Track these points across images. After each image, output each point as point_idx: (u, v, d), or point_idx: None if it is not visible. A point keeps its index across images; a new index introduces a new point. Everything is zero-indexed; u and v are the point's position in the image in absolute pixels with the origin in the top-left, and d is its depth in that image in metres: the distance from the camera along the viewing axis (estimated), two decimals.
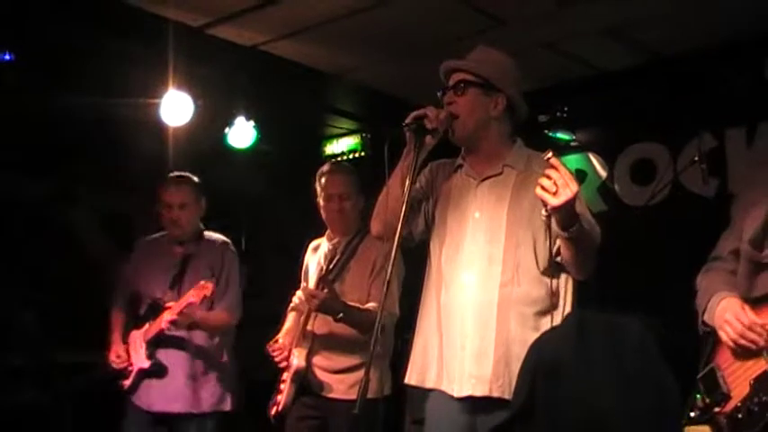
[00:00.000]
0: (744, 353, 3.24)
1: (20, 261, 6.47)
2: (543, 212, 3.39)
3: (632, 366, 2.26)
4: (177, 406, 5.11)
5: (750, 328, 3.16)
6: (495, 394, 3.49)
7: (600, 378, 2.21)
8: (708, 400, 3.36)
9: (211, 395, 5.19)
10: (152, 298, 5.21)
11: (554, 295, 3.66)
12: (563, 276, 3.69)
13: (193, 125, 6.15)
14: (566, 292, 3.68)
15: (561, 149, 6.59)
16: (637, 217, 6.32)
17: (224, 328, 5.26)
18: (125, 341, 5.25)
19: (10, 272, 6.39)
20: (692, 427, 4.27)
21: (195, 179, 5.37)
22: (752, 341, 3.16)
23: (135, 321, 5.29)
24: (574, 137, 6.84)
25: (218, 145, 6.66)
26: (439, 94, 3.81)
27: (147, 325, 5.17)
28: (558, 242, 3.55)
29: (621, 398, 2.19)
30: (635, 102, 6.34)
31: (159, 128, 6.08)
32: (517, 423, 2.25)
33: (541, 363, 2.30)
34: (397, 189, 3.67)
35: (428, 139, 3.66)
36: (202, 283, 4.92)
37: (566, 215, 3.31)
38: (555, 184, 3.19)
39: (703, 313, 3.41)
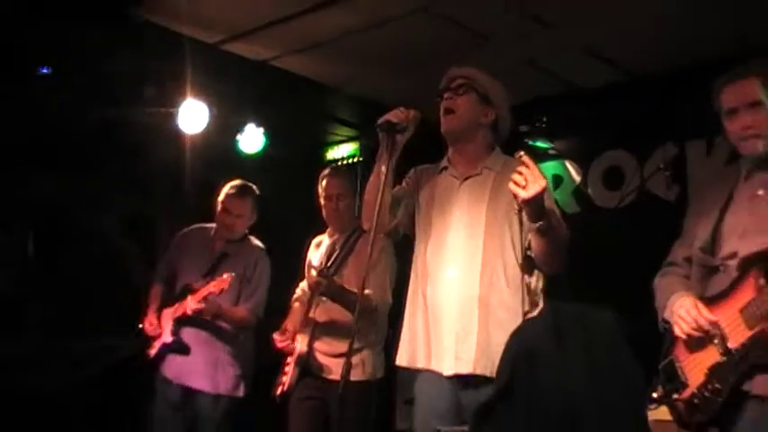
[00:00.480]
0: (698, 346, 3.32)
1: (49, 254, 6.51)
2: (515, 206, 3.43)
3: (602, 354, 2.29)
4: (197, 383, 5.18)
5: (697, 322, 3.26)
6: (479, 372, 3.54)
7: (573, 364, 2.25)
8: (668, 388, 3.45)
9: (228, 381, 5.24)
10: (186, 282, 5.26)
11: (528, 287, 3.71)
12: (536, 270, 3.74)
13: (208, 132, 6.18)
14: (539, 285, 3.74)
15: (540, 156, 6.62)
16: (607, 218, 6.34)
17: (244, 324, 5.30)
18: (159, 315, 5.32)
19: (48, 266, 6.44)
20: (653, 409, 4.34)
21: (257, 192, 5.46)
22: (699, 330, 3.26)
23: (170, 300, 5.35)
24: (552, 145, 6.86)
25: (231, 150, 6.69)
26: (438, 99, 3.86)
27: (176, 305, 5.23)
28: (530, 236, 3.60)
29: (592, 382, 2.23)
30: (607, 115, 6.36)
31: (178, 135, 6.11)
32: (500, 402, 2.28)
33: (521, 350, 2.34)
34: (376, 184, 3.75)
35: (398, 137, 3.72)
36: (224, 276, 4.97)
37: (535, 208, 3.38)
38: (525, 179, 3.26)
39: (663, 311, 3.48)
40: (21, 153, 6.10)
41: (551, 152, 6.86)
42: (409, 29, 5.51)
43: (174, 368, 5.22)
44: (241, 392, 5.27)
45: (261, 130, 6.72)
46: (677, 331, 3.35)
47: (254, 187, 5.46)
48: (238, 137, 6.72)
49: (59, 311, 6.42)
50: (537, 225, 3.44)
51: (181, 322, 5.22)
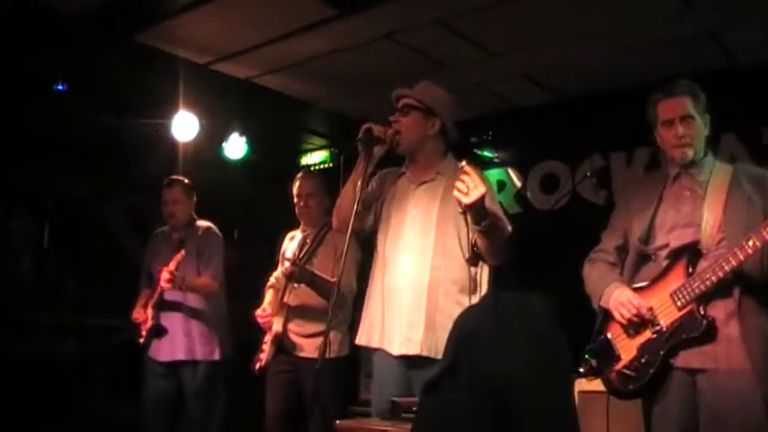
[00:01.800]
0: (631, 327, 3.38)
1: (68, 245, 6.49)
2: (459, 210, 3.41)
3: (535, 334, 2.27)
4: (178, 354, 5.20)
5: (638, 310, 3.32)
6: (425, 353, 3.53)
7: (510, 343, 2.23)
8: (602, 362, 3.49)
9: (203, 347, 5.25)
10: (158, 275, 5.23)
11: (474, 277, 3.69)
12: (481, 262, 3.72)
13: (197, 140, 6.15)
14: (482, 275, 3.72)
15: (486, 164, 6.66)
16: (544, 218, 6.38)
17: (209, 289, 5.30)
18: (145, 308, 5.33)
19: (61, 254, 6.41)
20: (582, 380, 4.35)
21: (185, 181, 5.47)
22: (639, 318, 3.33)
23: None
24: (497, 155, 6.88)
25: (216, 156, 6.65)
26: (390, 117, 3.82)
27: (152, 294, 5.28)
28: (474, 234, 3.57)
29: (527, 359, 2.21)
30: (543, 130, 6.40)
31: (171, 142, 6.08)
32: (445, 378, 2.26)
33: (464, 332, 2.32)
34: (351, 192, 3.70)
35: (376, 150, 3.71)
36: (178, 255, 5.03)
37: (476, 211, 3.37)
38: (467, 186, 3.23)
39: (599, 300, 3.51)
40: (37, 156, 6.09)
41: (496, 161, 6.89)
42: (375, 54, 5.50)
43: (157, 348, 5.25)
44: (217, 356, 5.28)
45: (243, 138, 6.69)
46: (618, 317, 3.40)
47: (181, 178, 5.50)
48: (223, 144, 6.68)
49: (74, 293, 6.41)
50: (480, 226, 3.42)
51: (159, 307, 5.27)
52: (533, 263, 5.59)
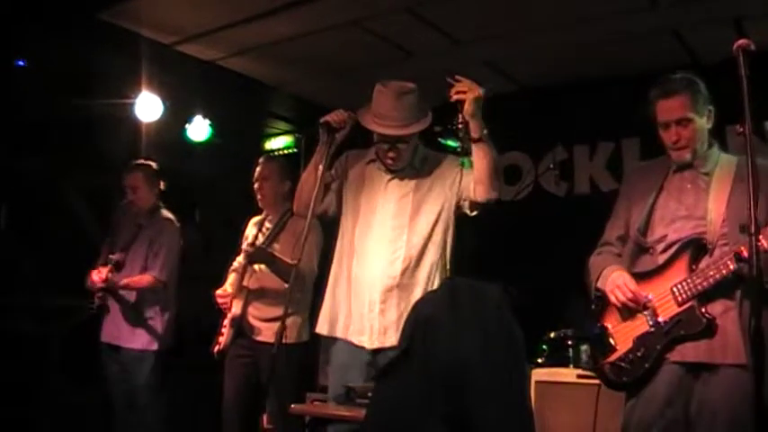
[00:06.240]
0: (628, 315, 3.34)
1: (28, 224, 6.43)
2: (459, 121, 3.57)
3: (490, 322, 2.32)
4: (119, 340, 5.21)
5: (634, 295, 3.26)
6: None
7: (464, 328, 2.27)
8: (597, 352, 3.46)
9: (142, 336, 5.21)
10: (114, 251, 5.27)
11: (442, 269, 3.75)
12: (448, 257, 3.78)
13: (161, 121, 6.11)
14: (449, 267, 3.77)
15: (450, 154, 6.67)
16: (506, 208, 6.41)
17: (149, 287, 5.25)
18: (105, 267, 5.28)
19: (19, 232, 6.36)
20: (539, 370, 4.36)
21: (149, 166, 5.40)
22: (634, 303, 3.27)
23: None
24: (461, 144, 6.90)
25: (180, 137, 6.62)
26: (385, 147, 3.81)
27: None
28: (474, 154, 3.69)
29: (481, 345, 2.25)
30: (506, 120, 6.40)
31: (134, 123, 6.04)
32: (399, 363, 2.29)
33: (420, 317, 2.36)
34: (312, 176, 3.73)
35: (338, 135, 3.73)
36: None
37: (479, 111, 3.52)
38: (465, 86, 3.43)
39: (596, 281, 3.46)
40: None
41: (460, 150, 6.91)
42: (341, 39, 5.51)
43: (106, 332, 5.26)
44: (155, 347, 5.23)
45: (207, 121, 6.67)
46: (612, 300, 3.34)
47: (148, 163, 5.42)
48: (187, 126, 6.66)
49: (34, 273, 6.35)
50: (480, 134, 3.57)
51: (106, 290, 5.23)
52: (494, 253, 5.65)
